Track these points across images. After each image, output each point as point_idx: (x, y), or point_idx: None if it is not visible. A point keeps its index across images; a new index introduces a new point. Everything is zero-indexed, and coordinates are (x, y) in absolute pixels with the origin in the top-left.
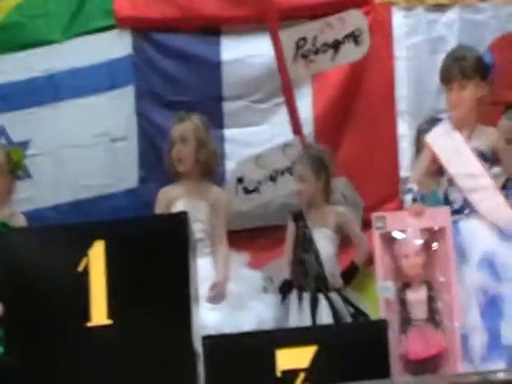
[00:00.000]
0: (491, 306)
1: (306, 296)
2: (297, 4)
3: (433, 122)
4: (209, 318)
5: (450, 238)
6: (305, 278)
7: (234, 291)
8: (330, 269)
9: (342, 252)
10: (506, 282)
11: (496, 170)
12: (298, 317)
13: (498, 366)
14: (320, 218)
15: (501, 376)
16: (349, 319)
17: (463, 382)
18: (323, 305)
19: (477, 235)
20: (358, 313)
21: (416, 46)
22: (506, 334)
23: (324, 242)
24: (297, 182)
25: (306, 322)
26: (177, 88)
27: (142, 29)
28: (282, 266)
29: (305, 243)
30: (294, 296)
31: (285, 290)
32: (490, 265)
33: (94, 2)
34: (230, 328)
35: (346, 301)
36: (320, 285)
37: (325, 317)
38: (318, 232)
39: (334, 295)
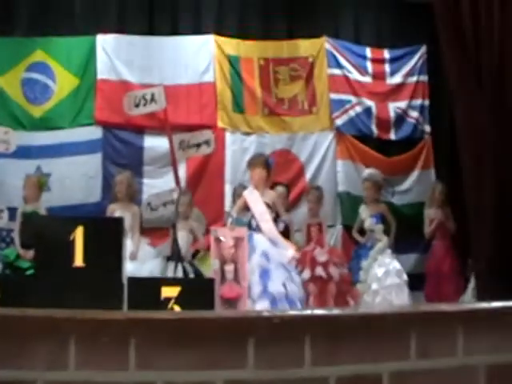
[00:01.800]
0: (264, 274)
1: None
2: (181, 124)
3: (240, 186)
4: (127, 267)
5: (246, 242)
6: (176, 256)
7: (140, 256)
8: (185, 252)
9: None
10: (272, 263)
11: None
12: (170, 273)
13: (265, 304)
14: (185, 227)
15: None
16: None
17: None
18: (180, 268)
19: (260, 241)
20: (199, 273)
21: (235, 150)
22: (270, 287)
23: (186, 238)
24: (181, 206)
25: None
26: (121, 157)
27: (107, 126)
28: (165, 248)
29: (176, 239)
30: (170, 263)
31: (168, 259)
32: (265, 255)
33: (86, 109)
34: (137, 273)
35: (194, 267)
36: (180, 259)
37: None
38: (181, 233)
39: (186, 264)
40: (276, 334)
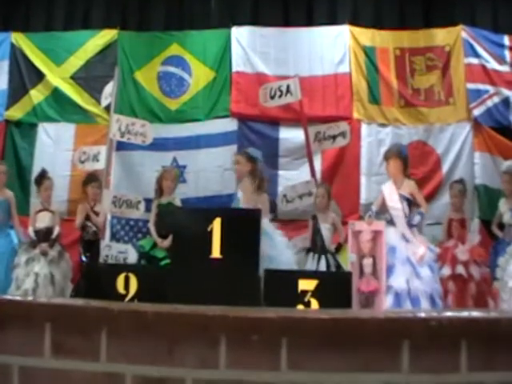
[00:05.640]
0: (388, 269)
1: (316, 256)
2: (316, 116)
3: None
4: None
5: (384, 235)
6: (317, 248)
7: (276, 247)
8: (328, 244)
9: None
10: (399, 258)
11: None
12: (312, 265)
13: (388, 300)
14: (324, 219)
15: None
16: (334, 269)
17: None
18: (324, 260)
19: (391, 236)
20: (340, 266)
21: (370, 142)
22: (392, 282)
23: (326, 231)
24: (317, 198)
25: (319, 268)
26: (256, 149)
27: (242, 118)
28: (304, 240)
29: (317, 231)
30: (310, 255)
31: (307, 251)
32: (392, 249)
33: (221, 102)
34: (274, 266)
35: (336, 260)
36: (324, 251)
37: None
38: (323, 225)
39: (330, 256)
40: (432, 336)
